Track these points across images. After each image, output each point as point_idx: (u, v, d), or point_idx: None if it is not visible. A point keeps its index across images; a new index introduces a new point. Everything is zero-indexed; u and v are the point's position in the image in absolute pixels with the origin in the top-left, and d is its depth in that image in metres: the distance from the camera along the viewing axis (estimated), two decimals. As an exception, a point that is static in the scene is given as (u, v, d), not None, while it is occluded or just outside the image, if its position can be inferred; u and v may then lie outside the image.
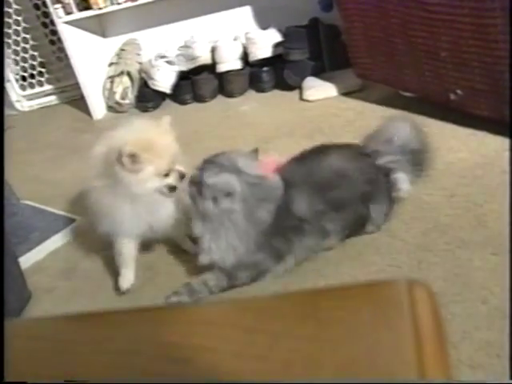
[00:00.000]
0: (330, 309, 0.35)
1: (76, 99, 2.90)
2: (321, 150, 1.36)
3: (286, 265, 1.26)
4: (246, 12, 2.69)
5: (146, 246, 1.46)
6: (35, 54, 2.97)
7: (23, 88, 3.05)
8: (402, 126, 1.54)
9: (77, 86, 2.69)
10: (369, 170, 1.35)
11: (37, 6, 2.85)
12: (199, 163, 1.24)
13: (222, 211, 1.18)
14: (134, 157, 1.22)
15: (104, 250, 1.54)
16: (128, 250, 1.37)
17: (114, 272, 1.42)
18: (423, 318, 0.33)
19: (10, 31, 2.90)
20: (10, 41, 2.92)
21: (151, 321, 0.39)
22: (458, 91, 1.67)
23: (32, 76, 3.03)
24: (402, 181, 1.42)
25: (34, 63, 3.00)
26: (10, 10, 2.85)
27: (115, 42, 2.76)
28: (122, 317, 0.39)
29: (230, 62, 2.48)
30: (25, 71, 3.02)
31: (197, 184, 1.21)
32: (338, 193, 1.27)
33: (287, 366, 0.32)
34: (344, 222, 1.28)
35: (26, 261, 1.56)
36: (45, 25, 2.91)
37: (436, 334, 0.32)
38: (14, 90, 3.04)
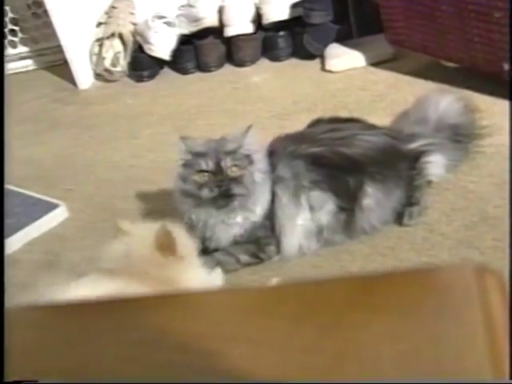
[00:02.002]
0: (385, 296, 0.36)
1: (57, 65, 2.88)
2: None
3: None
4: (260, -34, 2.67)
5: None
6: (6, 8, 2.89)
7: (-7, 49, 3.01)
8: (440, 97, 1.56)
9: (58, 48, 2.67)
10: (378, 148, 1.39)
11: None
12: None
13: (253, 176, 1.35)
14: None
15: (90, 240, 1.55)
16: None
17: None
18: (495, 308, 0.33)
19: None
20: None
21: (176, 307, 0.39)
22: (513, 61, 1.66)
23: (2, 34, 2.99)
24: (434, 165, 1.45)
25: (5, 19, 2.94)
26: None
27: (105, -2, 2.75)
28: (142, 303, 0.40)
29: (239, 24, 2.46)
30: (-6, 29, 2.98)
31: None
32: (320, 149, 1.38)
33: (339, 358, 0.32)
34: (323, 178, 1.35)
35: None
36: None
37: (510, 327, 0.32)
38: (-19, 52, 3.01)
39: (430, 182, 1.46)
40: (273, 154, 1.40)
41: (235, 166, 1.32)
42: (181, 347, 0.36)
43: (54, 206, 1.75)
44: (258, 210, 1.36)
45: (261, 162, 1.37)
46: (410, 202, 1.40)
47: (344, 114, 1.89)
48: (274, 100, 2.17)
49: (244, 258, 1.37)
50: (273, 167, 1.38)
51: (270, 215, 1.37)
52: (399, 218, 1.39)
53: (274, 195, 1.36)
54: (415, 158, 1.43)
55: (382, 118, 1.69)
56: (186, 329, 0.37)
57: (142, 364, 0.36)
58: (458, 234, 1.32)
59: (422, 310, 0.35)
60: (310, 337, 0.34)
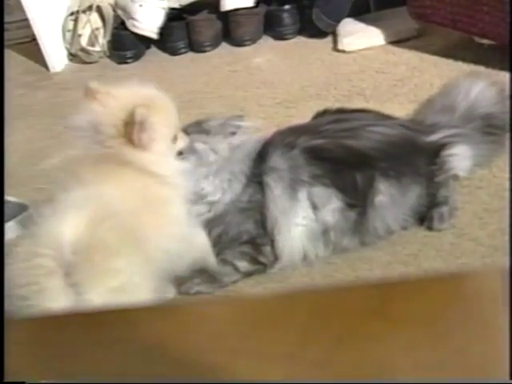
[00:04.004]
0: (406, 304, 0.38)
1: (24, 42, 2.89)
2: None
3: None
4: None
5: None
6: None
7: None
8: (472, 82, 1.58)
9: (25, 23, 2.67)
10: (391, 140, 1.42)
11: None
12: None
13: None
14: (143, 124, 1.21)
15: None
16: None
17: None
18: (526, 316, 0.35)
19: None
20: None
21: (173, 318, 0.41)
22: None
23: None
24: (459, 158, 1.46)
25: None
26: None
27: (81, -33, 2.76)
28: (136, 314, 0.42)
29: (238, -4, 2.48)
30: None
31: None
32: (322, 142, 1.41)
33: (353, 371, 0.35)
34: (324, 173, 1.38)
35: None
36: None
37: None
38: None
39: (456, 178, 1.48)
40: (267, 145, 1.43)
41: None
42: (179, 361, 0.38)
43: (22, 208, 1.76)
44: (209, 182, 1.40)
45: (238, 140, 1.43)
46: (436, 201, 1.42)
47: (359, 101, 1.92)
48: (278, 85, 2.19)
49: (243, 264, 1.39)
50: (265, 158, 1.41)
51: (260, 208, 1.39)
52: (428, 222, 1.41)
53: (264, 187, 1.39)
54: (435, 151, 1.45)
55: (403, 106, 1.71)
56: (184, 341, 0.39)
57: (136, 379, 0.38)
58: (492, 239, 1.33)
59: (445, 319, 0.37)
60: (322, 349, 0.36)
